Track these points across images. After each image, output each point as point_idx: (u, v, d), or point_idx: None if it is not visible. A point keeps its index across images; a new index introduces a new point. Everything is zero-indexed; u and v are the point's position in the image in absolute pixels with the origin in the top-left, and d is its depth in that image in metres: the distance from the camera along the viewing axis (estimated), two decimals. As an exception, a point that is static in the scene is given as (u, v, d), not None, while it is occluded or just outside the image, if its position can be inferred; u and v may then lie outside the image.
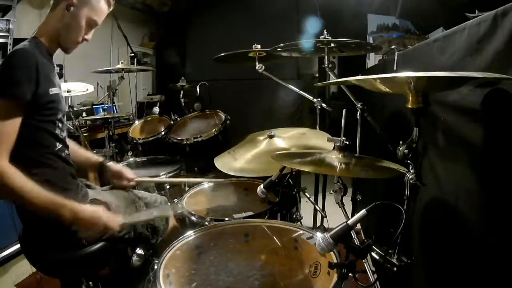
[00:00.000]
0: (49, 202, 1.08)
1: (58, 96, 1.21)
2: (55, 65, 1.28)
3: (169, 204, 1.63)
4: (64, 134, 1.29)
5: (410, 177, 0.96)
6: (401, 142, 0.94)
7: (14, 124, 1.06)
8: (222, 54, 2.00)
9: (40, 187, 1.07)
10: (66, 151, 1.29)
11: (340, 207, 1.68)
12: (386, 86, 0.94)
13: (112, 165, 1.54)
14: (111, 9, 1.33)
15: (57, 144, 1.23)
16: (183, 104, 2.83)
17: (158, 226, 1.46)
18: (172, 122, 2.67)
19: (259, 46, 1.92)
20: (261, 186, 1.40)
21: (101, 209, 1.21)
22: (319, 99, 1.89)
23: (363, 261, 1.40)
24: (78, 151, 1.46)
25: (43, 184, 1.10)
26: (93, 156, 1.55)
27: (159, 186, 2.07)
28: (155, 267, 0.99)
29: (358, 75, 1.18)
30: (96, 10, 1.25)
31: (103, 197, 1.36)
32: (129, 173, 1.56)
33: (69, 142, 1.34)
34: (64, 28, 1.22)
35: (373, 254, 1.01)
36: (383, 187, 1.84)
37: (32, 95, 1.08)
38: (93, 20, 1.26)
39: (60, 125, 1.24)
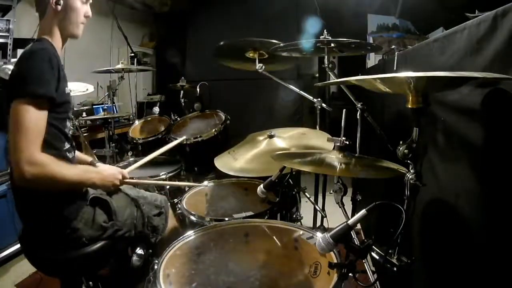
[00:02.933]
0: (81, 175, 1.21)
1: (69, 94, 1.28)
2: None
3: (169, 203, 1.62)
4: (71, 133, 1.32)
5: (410, 177, 0.96)
6: (401, 142, 0.94)
7: (44, 119, 1.12)
8: (222, 43, 1.99)
9: (67, 164, 1.18)
10: (73, 153, 1.33)
11: (340, 207, 1.68)
12: (386, 86, 0.94)
13: (101, 165, 1.48)
14: None
15: (66, 143, 1.27)
16: (183, 104, 2.83)
17: (157, 225, 1.46)
18: (172, 122, 2.67)
19: (259, 46, 1.92)
20: (261, 186, 1.40)
21: (111, 167, 1.39)
22: (319, 99, 1.89)
23: (363, 261, 1.40)
24: None
25: None
26: (82, 156, 1.54)
27: (159, 186, 2.07)
28: (155, 267, 0.99)
29: (358, 75, 1.18)
30: None
31: (103, 195, 1.36)
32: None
33: None
34: (63, 20, 1.26)
35: (373, 254, 1.01)
36: (383, 187, 1.84)
37: (56, 93, 1.14)
38: None
39: (69, 124, 1.28)
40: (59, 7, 1.22)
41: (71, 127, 1.32)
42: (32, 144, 1.06)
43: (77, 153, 1.54)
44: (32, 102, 1.07)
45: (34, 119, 1.08)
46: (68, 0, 1.24)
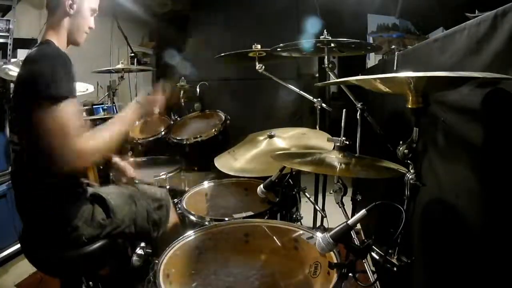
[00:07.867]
0: (120, 129, 1.25)
1: None
2: None
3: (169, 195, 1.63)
4: None
5: (410, 177, 0.96)
6: (401, 142, 0.94)
7: (78, 114, 1.19)
8: (222, 54, 2.00)
9: (104, 129, 1.23)
10: None
11: (340, 207, 1.68)
12: (386, 86, 0.94)
13: (118, 160, 1.59)
14: None
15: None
16: (183, 104, 2.83)
17: (158, 219, 1.46)
18: (172, 122, 2.67)
19: (259, 46, 1.92)
20: (261, 186, 1.39)
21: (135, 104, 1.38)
22: (319, 99, 1.89)
23: (363, 261, 1.40)
24: None
25: (48, 180, 1.17)
26: None
27: (160, 184, 2.07)
28: (155, 267, 0.99)
29: (358, 75, 1.18)
30: None
31: (101, 192, 1.36)
32: (131, 171, 1.61)
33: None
34: (71, 25, 1.29)
35: (373, 254, 1.01)
36: (383, 187, 1.84)
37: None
38: (94, 8, 1.34)
39: None
40: (72, 11, 1.25)
41: None
42: (73, 140, 1.08)
43: None
44: (67, 102, 1.09)
45: (71, 116, 1.10)
46: (81, 7, 1.28)
